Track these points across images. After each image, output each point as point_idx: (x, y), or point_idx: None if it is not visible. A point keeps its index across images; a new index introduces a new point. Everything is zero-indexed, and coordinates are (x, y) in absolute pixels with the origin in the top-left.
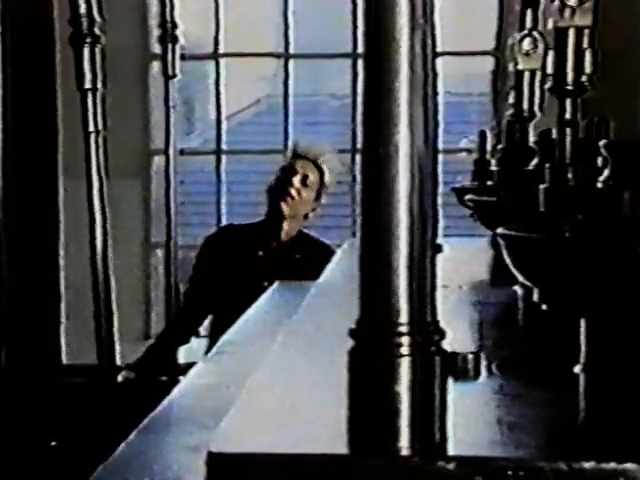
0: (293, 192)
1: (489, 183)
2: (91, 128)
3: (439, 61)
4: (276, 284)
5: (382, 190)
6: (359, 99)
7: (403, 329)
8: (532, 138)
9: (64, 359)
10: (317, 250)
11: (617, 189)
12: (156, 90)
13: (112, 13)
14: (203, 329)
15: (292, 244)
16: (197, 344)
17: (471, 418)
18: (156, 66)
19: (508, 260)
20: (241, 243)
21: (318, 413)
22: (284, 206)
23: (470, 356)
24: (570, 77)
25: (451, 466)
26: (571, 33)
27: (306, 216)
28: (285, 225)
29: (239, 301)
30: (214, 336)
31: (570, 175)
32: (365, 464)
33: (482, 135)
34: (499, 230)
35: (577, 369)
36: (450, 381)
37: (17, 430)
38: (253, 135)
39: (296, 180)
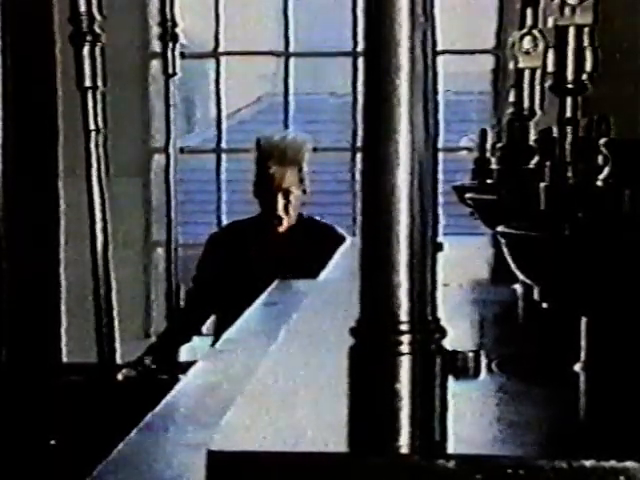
0: (282, 215)
1: (489, 181)
2: (91, 126)
3: (439, 59)
4: (276, 282)
5: (382, 189)
6: (359, 97)
7: (403, 327)
8: (532, 136)
9: (64, 357)
10: (320, 233)
11: (617, 187)
12: (156, 88)
13: (112, 11)
14: (205, 328)
15: (294, 231)
16: (199, 342)
17: (471, 416)
18: (156, 64)
19: (508, 258)
20: (245, 238)
21: (318, 411)
22: (279, 228)
23: (470, 354)
24: (570, 75)
25: (451, 464)
26: (571, 31)
27: (304, 192)
28: (285, 224)
29: (246, 297)
30: (219, 334)
31: (570, 173)
32: (365, 462)
33: (482, 133)
34: (499, 228)
35: (577, 367)
36: (450, 379)
37: (17, 429)
38: (253, 133)
39: (280, 204)
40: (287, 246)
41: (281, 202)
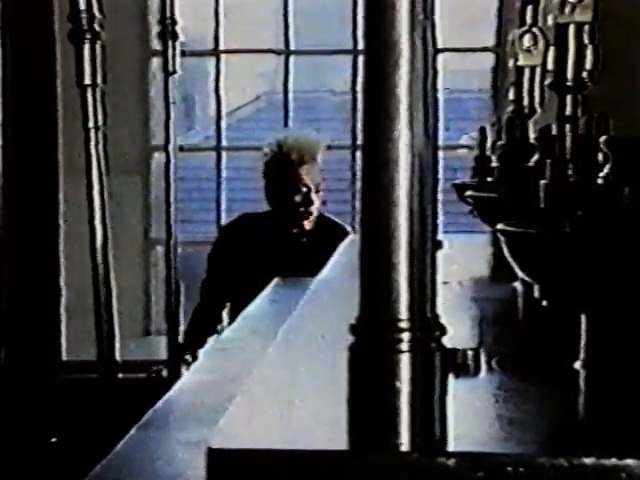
0: (314, 210)
1: (489, 179)
2: (91, 124)
3: (439, 57)
4: (276, 280)
5: (382, 187)
6: (359, 95)
7: (403, 325)
8: (532, 134)
9: (64, 355)
10: (333, 231)
11: (617, 185)
12: (156, 86)
13: (112, 9)
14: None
15: (313, 229)
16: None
17: (471, 414)
18: (156, 62)
19: (508, 256)
20: (259, 231)
21: (318, 409)
22: (307, 223)
23: (470, 352)
24: (570, 73)
25: (451, 462)
26: (571, 29)
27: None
28: (311, 223)
29: (259, 289)
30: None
31: (570, 171)
32: (365, 460)
33: (482, 131)
34: (499, 226)
35: (577, 365)
36: (450, 377)
37: (17, 427)
38: (253, 131)
39: (316, 201)
40: (307, 243)
41: (315, 197)
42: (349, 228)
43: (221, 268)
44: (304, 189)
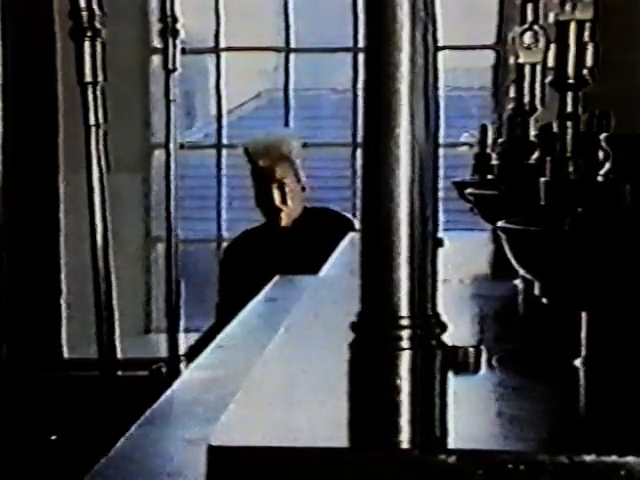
0: (280, 206)
1: (490, 177)
2: (91, 122)
3: (440, 55)
4: (276, 278)
5: (383, 184)
6: (360, 93)
7: (404, 322)
8: (533, 132)
9: (65, 353)
10: (326, 221)
11: (618, 183)
12: (157, 84)
13: (112, 7)
14: None
15: (300, 225)
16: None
17: (472, 412)
18: (157, 60)
19: (509, 254)
20: (258, 243)
21: (318, 406)
22: (281, 221)
23: (471, 350)
24: (571, 71)
25: (452, 459)
26: (572, 27)
27: (303, 189)
28: (286, 219)
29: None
30: None
31: (571, 169)
32: (365, 457)
33: (483, 129)
34: (500, 224)
35: (578, 363)
36: (451, 375)
37: (18, 424)
38: (253, 129)
39: (276, 195)
40: (295, 240)
41: (277, 193)
42: (347, 215)
43: (233, 289)
44: (263, 185)
